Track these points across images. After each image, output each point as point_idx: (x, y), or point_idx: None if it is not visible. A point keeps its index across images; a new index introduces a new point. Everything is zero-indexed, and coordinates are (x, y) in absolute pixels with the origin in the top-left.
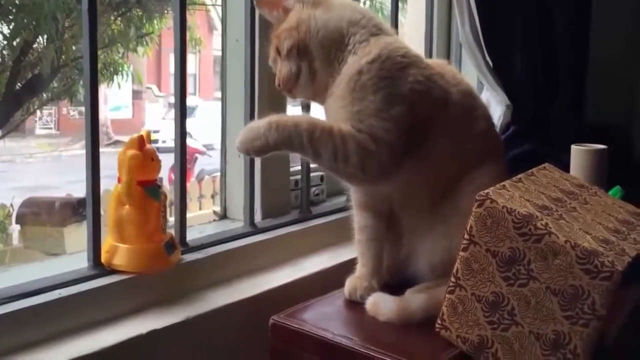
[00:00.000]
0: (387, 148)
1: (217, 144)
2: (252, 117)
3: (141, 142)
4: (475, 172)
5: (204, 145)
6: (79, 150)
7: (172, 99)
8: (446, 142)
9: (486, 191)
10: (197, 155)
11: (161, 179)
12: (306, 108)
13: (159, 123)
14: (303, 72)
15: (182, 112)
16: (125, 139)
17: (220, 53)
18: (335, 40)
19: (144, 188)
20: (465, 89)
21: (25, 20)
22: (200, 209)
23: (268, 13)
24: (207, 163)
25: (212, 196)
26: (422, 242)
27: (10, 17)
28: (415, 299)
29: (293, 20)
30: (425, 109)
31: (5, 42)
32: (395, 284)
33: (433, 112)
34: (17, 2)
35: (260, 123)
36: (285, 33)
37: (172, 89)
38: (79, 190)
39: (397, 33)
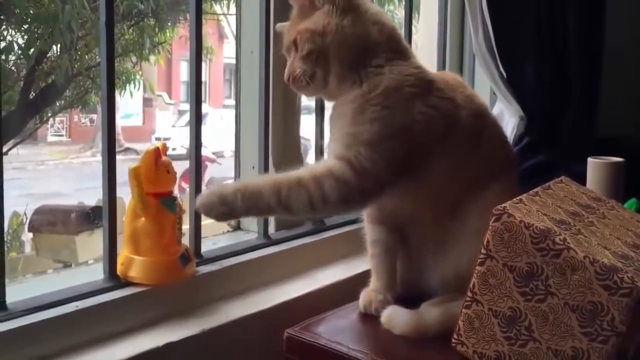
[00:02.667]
0: (371, 178)
1: (227, 152)
2: (266, 128)
3: (157, 155)
4: (482, 191)
5: (214, 153)
6: (90, 158)
7: (182, 107)
8: (447, 165)
9: (503, 205)
10: (207, 163)
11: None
12: (319, 112)
13: (169, 130)
14: (317, 77)
15: (197, 122)
16: (136, 146)
17: (230, 61)
18: (354, 59)
19: (159, 200)
20: (475, 111)
21: (40, 30)
22: None
23: None
24: (216, 171)
25: None
26: (432, 256)
27: (25, 26)
28: (430, 312)
29: (319, 25)
30: (425, 139)
31: (20, 52)
32: (409, 297)
33: (433, 140)
34: (31, 12)
35: (227, 190)
36: (308, 35)
37: (182, 97)
38: (90, 197)
39: (409, 44)
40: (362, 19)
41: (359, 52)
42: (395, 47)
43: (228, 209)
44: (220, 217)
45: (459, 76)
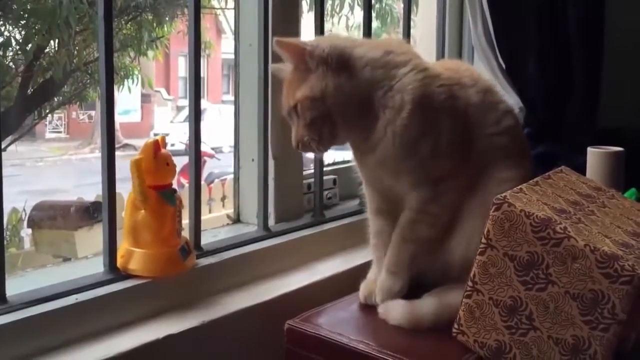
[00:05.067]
0: (451, 180)
1: (225, 147)
2: (265, 121)
3: (156, 147)
4: (502, 173)
5: (212, 149)
6: (88, 154)
7: (180, 102)
8: (477, 145)
9: (503, 194)
10: (205, 158)
11: None
12: None
13: (168, 126)
14: (325, 138)
15: (196, 116)
16: (135, 142)
17: (227, 56)
18: (363, 106)
19: (159, 193)
20: (484, 87)
21: (37, 25)
22: (210, 212)
23: (286, 58)
24: (215, 166)
25: (222, 199)
26: (439, 245)
27: (23, 22)
28: (425, 303)
29: (317, 89)
30: (455, 118)
31: (17, 47)
32: (411, 287)
33: (460, 119)
34: (29, 7)
35: (383, 279)
36: (308, 102)
37: (180, 92)
38: (89, 193)
39: (408, 38)
40: (356, 69)
41: (363, 100)
42: (391, 66)
43: (402, 281)
44: (405, 287)
45: (459, 60)
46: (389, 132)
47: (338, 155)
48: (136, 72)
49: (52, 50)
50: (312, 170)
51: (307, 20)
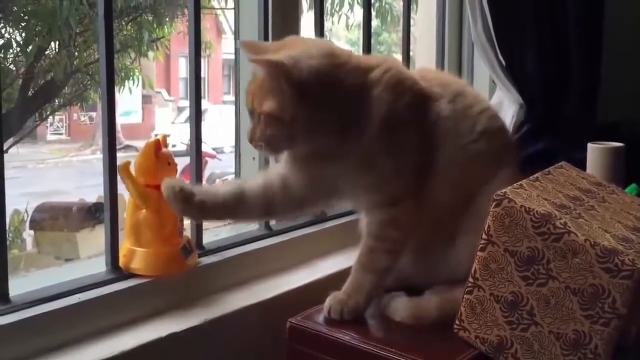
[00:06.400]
0: (410, 200)
1: (226, 148)
2: None
3: (157, 146)
4: (491, 178)
5: (214, 149)
6: (90, 156)
7: (181, 103)
8: (451, 152)
9: (503, 190)
10: (207, 159)
11: None
12: None
13: (169, 127)
14: (281, 148)
15: (197, 116)
16: (136, 143)
17: (228, 56)
18: (331, 125)
19: (160, 192)
20: (453, 93)
21: (38, 27)
22: None
23: (260, 69)
24: (216, 167)
25: None
26: (439, 247)
27: (23, 23)
28: (430, 299)
29: (286, 112)
30: (422, 135)
31: (18, 49)
32: (414, 288)
33: (427, 136)
34: (29, 8)
35: (340, 295)
36: (273, 121)
37: (181, 93)
38: (90, 194)
39: (408, 37)
40: (328, 102)
41: (333, 121)
42: (363, 86)
43: (353, 305)
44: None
45: (433, 68)
46: (354, 149)
47: None
48: (137, 73)
49: (53, 52)
50: None
51: (307, 19)
